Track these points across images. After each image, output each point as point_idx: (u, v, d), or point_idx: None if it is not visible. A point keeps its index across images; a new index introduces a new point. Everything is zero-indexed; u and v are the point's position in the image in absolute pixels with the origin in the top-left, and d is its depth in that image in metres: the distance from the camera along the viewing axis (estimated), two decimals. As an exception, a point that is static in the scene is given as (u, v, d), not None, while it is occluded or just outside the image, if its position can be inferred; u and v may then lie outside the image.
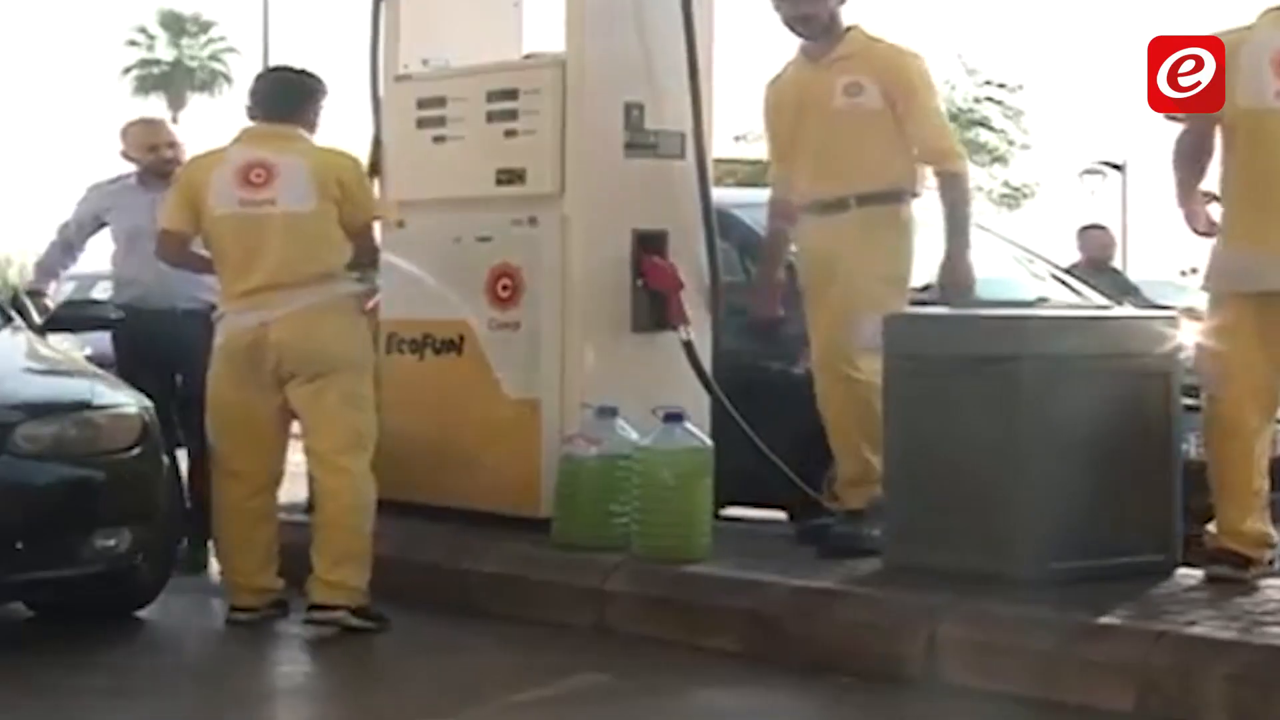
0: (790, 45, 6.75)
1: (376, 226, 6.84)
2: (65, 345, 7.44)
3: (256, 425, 6.39)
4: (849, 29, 6.68)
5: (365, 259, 6.73)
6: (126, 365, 7.50)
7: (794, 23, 6.66)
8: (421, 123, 7.54)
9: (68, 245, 7.92)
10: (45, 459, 6.11)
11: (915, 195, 6.69)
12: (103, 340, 7.98)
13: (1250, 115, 5.84)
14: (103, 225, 7.82)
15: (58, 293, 8.19)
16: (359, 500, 6.32)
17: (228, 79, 57.34)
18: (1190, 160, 6.05)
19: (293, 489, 6.81)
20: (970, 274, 6.66)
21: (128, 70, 58.44)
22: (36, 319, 7.22)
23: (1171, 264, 37.24)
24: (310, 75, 6.72)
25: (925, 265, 9.24)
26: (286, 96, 6.59)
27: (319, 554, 6.27)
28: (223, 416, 6.43)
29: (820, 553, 6.38)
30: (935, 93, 6.80)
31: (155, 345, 7.45)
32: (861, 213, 6.56)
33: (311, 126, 6.62)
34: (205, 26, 58.62)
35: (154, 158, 7.71)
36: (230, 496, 6.44)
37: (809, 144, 6.67)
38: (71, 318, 7.51)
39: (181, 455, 7.14)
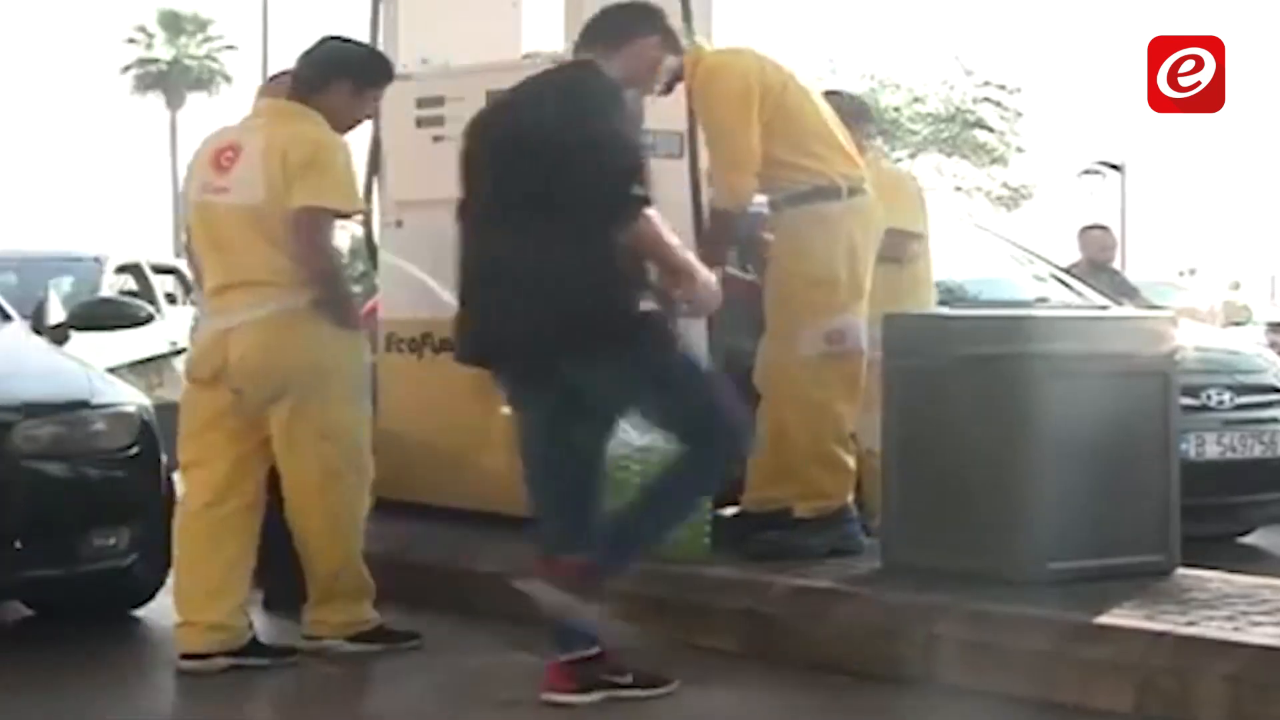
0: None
1: (342, 230, 6.08)
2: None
3: (211, 433, 5.79)
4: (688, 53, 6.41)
5: (305, 270, 5.66)
6: None
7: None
8: (421, 122, 7.54)
9: None
10: (43, 458, 6.10)
11: (841, 189, 6.37)
12: None
13: None
14: None
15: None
16: (334, 541, 5.84)
17: (226, 78, 57.37)
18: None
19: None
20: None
21: (126, 68, 58.46)
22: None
23: (1170, 264, 37.37)
24: (351, 47, 6.09)
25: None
26: (306, 69, 5.92)
27: (309, 586, 5.92)
28: (182, 416, 5.90)
29: (748, 553, 6.35)
30: (718, 116, 6.39)
31: None
32: (789, 214, 6.46)
33: (334, 109, 5.84)
34: (203, 25, 58.63)
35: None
36: (182, 505, 5.90)
37: None
38: (98, 315, 7.43)
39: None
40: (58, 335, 7.60)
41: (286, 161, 5.64)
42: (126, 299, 8.27)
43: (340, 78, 5.86)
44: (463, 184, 5.40)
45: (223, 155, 5.79)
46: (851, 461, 6.44)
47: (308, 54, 5.98)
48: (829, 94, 6.99)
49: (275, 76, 6.32)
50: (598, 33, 5.46)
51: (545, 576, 5.23)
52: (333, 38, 6.08)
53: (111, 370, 7.39)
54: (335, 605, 5.90)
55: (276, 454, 5.78)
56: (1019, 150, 38.15)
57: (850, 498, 6.49)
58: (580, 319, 5.06)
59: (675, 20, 6.29)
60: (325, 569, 5.86)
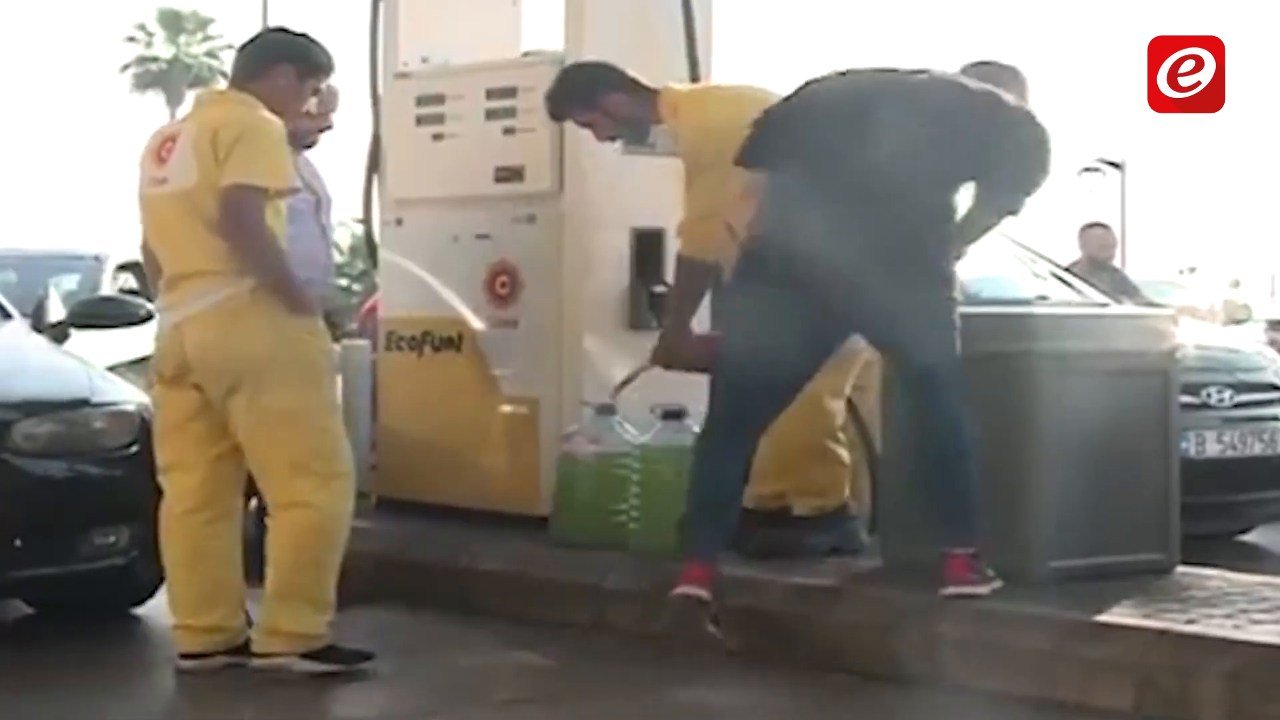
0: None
1: (278, 211, 5.59)
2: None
3: (179, 437, 5.66)
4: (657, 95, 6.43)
5: (237, 253, 5.47)
6: None
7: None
8: (421, 120, 7.55)
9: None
10: (44, 456, 6.11)
11: None
12: None
13: None
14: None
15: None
16: (302, 538, 5.54)
17: (225, 76, 57.33)
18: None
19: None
20: (672, 353, 6.24)
21: (126, 67, 58.51)
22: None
23: (1170, 262, 37.34)
24: (285, 37, 5.92)
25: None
26: (245, 57, 5.83)
27: (266, 582, 5.62)
28: (155, 417, 5.82)
29: (748, 551, 6.35)
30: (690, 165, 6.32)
31: None
32: None
33: (275, 96, 5.70)
34: (203, 24, 58.66)
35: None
36: (165, 510, 5.74)
37: None
38: (98, 314, 7.40)
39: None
40: (57, 333, 7.60)
41: (217, 142, 5.49)
42: (127, 297, 8.26)
43: (280, 63, 5.76)
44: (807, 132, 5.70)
45: (163, 148, 5.67)
46: (845, 455, 6.46)
47: (247, 44, 5.95)
48: None
49: None
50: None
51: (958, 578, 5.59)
52: (273, 29, 6.01)
53: (111, 368, 7.39)
54: (290, 609, 5.56)
55: (243, 449, 5.61)
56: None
57: (847, 494, 6.49)
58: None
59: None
60: (290, 562, 5.56)
